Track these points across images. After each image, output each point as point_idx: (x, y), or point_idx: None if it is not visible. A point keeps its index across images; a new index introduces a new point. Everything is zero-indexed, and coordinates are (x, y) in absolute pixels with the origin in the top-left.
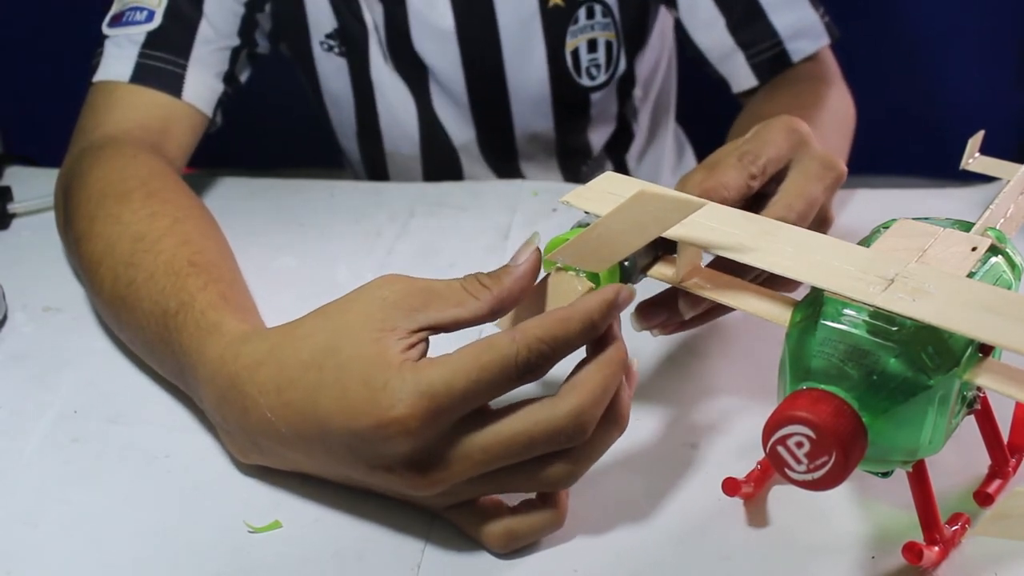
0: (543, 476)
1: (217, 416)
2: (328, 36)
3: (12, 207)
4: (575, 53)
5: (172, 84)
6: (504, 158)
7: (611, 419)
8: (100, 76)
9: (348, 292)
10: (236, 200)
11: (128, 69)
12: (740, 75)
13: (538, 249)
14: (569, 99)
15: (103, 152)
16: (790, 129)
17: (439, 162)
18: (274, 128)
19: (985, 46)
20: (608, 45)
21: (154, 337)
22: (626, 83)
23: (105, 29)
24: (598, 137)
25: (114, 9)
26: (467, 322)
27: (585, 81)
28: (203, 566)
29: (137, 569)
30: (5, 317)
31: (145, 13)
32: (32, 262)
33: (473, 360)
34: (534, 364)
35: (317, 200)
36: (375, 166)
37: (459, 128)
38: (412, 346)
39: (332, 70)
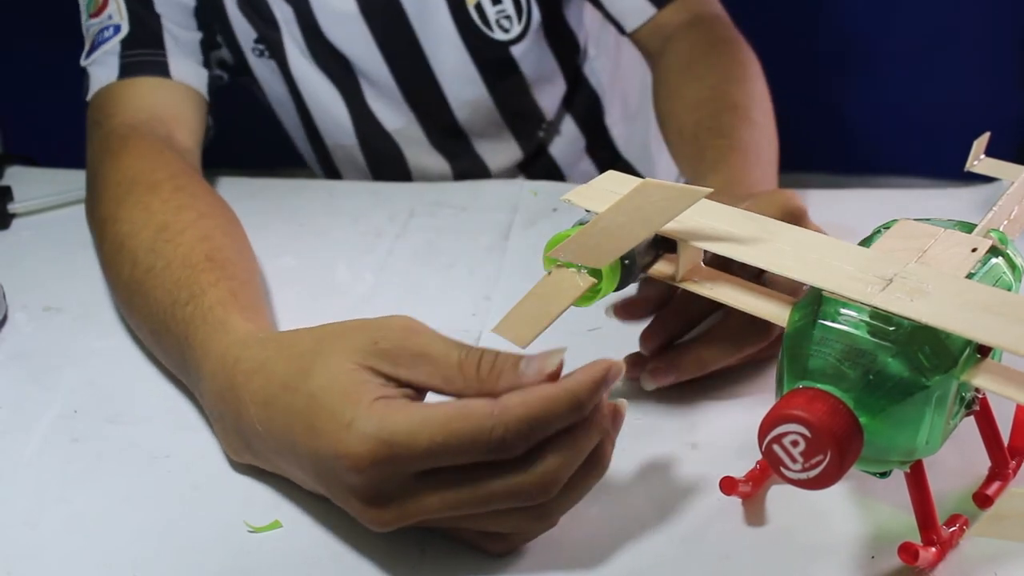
0: (507, 524)
1: (215, 412)
2: (256, 41)
3: (12, 207)
4: (479, 7)
5: (158, 70)
6: (451, 138)
7: (590, 467)
8: (92, 89)
9: (354, 319)
10: (236, 200)
11: (115, 72)
12: (633, 7)
13: (560, 368)
14: (489, 56)
15: (129, 140)
16: (786, 212)
17: (379, 152)
18: (274, 128)
19: (986, 46)
20: None
21: (161, 326)
22: (558, 36)
23: (83, 62)
24: (548, 99)
25: (87, 44)
26: (449, 395)
27: (499, 35)
28: (203, 566)
29: (137, 569)
30: (5, 317)
31: (112, 28)
32: (32, 262)
33: (443, 423)
34: (510, 444)
35: (317, 200)
36: (326, 162)
37: (394, 115)
38: (386, 395)
39: (267, 74)
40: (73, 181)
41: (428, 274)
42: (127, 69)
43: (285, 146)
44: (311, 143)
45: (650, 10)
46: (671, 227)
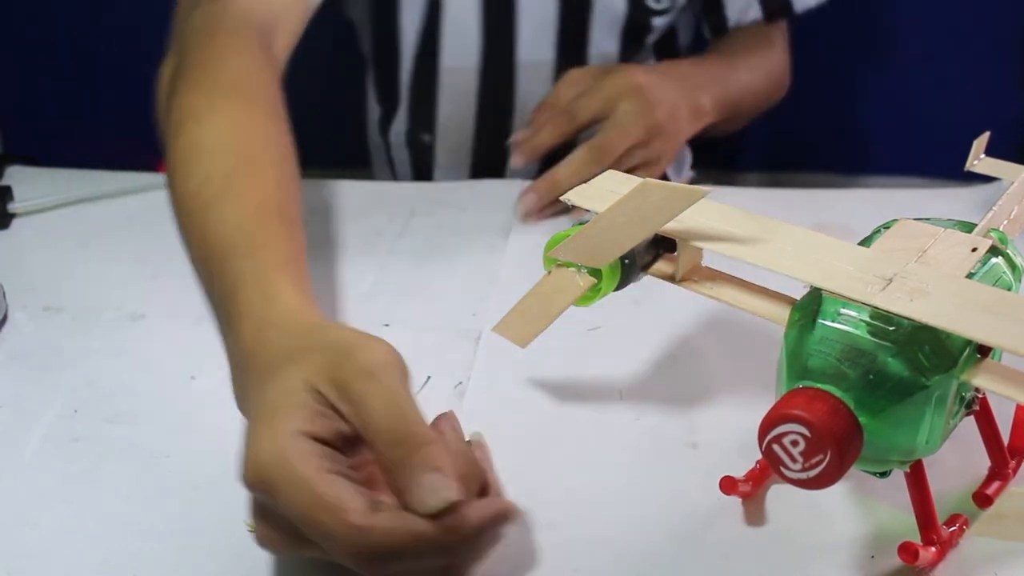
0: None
1: (232, 366)
2: None
3: (12, 207)
4: None
5: None
6: None
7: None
8: None
9: (355, 332)
10: None
11: None
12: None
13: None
14: (638, 21)
15: (240, 35)
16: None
17: (496, 81)
18: None
19: (986, 46)
20: None
21: (213, 261)
22: (667, 49)
23: None
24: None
25: None
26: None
27: (651, 3)
28: (203, 566)
29: (137, 569)
30: (5, 317)
31: None
32: (32, 262)
33: (315, 499)
34: (361, 559)
35: (317, 200)
36: (425, 94)
37: (533, 46)
38: (308, 430)
39: None
40: (73, 181)
41: (428, 274)
42: None
43: None
44: (419, 64)
45: (757, 14)
46: (671, 227)
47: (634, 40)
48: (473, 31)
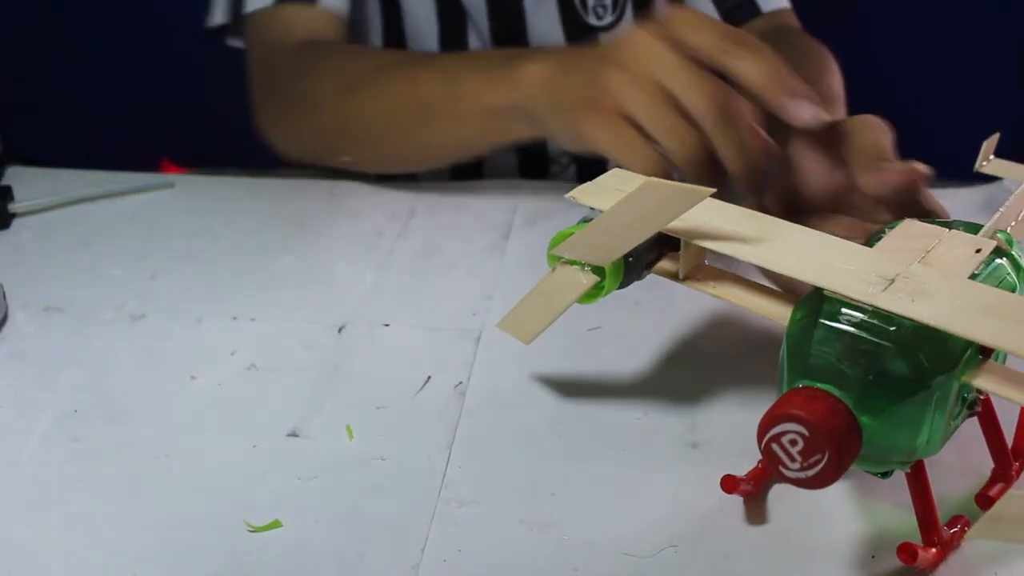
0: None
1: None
2: None
3: (12, 207)
4: None
5: None
6: None
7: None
8: (249, 7)
9: None
10: (236, 200)
11: None
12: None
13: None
14: (577, 38)
15: (333, 44)
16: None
17: None
18: None
19: (986, 46)
20: None
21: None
22: None
23: None
24: None
25: None
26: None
27: (592, 20)
28: (203, 566)
29: (137, 569)
30: (5, 317)
31: None
32: (32, 262)
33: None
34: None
35: (317, 200)
36: None
37: None
38: None
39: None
40: (73, 181)
41: (428, 274)
42: None
43: None
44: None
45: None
46: (675, 225)
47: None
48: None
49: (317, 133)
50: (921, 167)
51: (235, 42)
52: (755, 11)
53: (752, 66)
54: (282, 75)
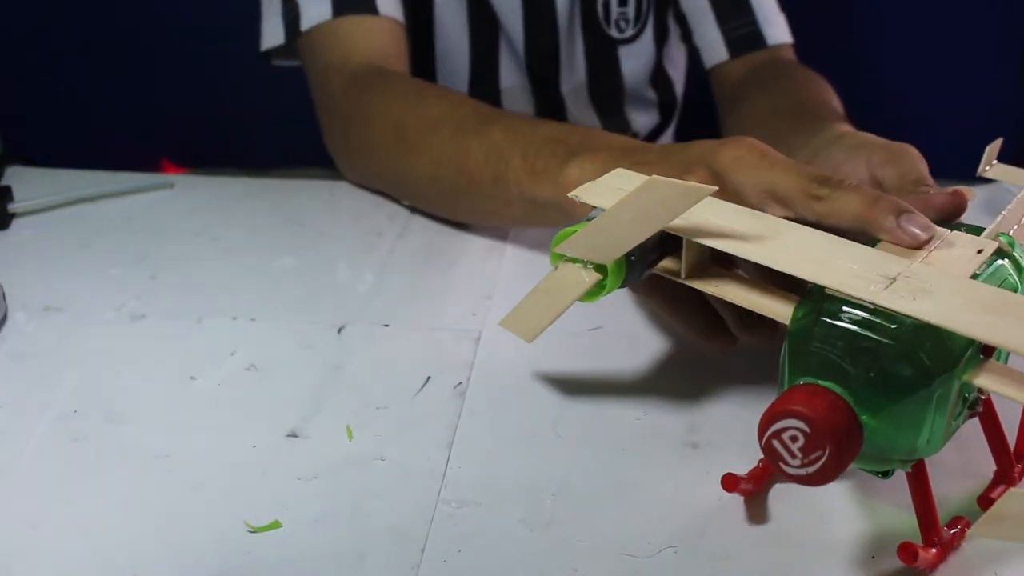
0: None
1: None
2: None
3: (12, 207)
4: (605, 3)
5: (366, 5)
6: (553, 113)
7: None
8: (306, 24)
9: None
10: (236, 200)
11: (327, 6)
12: (713, 48)
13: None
14: (596, 49)
15: (388, 80)
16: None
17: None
18: (274, 128)
19: (986, 46)
20: (638, 2)
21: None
22: (658, 78)
23: None
24: (640, 115)
25: None
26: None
27: (613, 32)
28: (203, 566)
29: (137, 569)
30: (5, 317)
31: None
32: (32, 262)
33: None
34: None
35: (317, 200)
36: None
37: (512, 73)
38: None
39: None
40: (73, 181)
41: (428, 274)
42: (338, 5)
43: (285, 146)
44: (474, 82)
45: (724, 55)
46: (677, 224)
47: (604, 67)
48: (463, 66)
49: (374, 175)
50: (966, 190)
51: (285, 62)
52: (762, 44)
53: (850, 200)
54: (341, 110)
